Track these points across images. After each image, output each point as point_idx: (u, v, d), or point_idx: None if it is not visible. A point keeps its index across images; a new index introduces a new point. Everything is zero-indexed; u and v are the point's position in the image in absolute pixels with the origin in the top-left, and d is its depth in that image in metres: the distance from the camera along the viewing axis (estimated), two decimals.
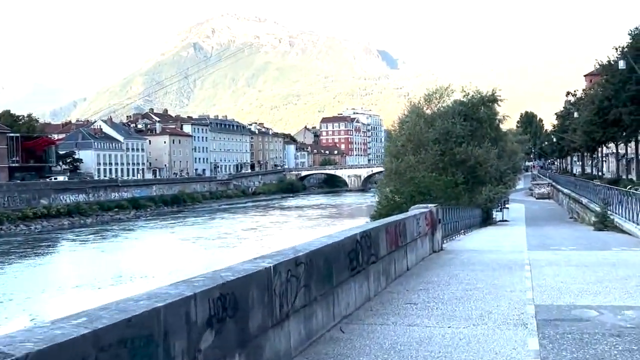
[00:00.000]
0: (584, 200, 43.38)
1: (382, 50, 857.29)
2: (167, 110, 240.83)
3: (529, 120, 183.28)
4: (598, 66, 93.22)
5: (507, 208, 58.28)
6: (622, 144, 56.29)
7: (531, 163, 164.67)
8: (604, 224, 29.85)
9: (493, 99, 47.48)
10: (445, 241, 22.44)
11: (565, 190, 62.28)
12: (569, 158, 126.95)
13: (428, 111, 47.91)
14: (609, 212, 30.42)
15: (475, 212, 40.71)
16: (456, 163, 45.18)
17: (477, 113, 47.92)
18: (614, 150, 59.71)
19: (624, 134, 46.93)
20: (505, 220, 55.59)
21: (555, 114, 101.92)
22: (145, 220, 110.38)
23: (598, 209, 33.51)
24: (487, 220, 47.36)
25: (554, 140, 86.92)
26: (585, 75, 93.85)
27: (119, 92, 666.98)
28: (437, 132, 45.25)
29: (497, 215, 56.94)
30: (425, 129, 45.89)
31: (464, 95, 48.15)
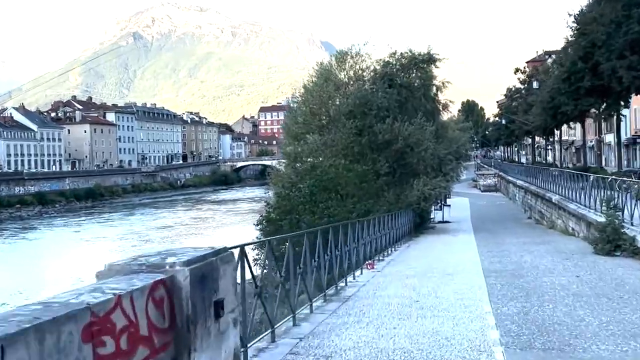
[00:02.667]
0: (555, 198, 30.51)
1: (325, 41, 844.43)
2: (91, 98, 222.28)
3: (470, 109, 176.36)
4: (541, 52, 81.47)
5: (449, 205, 45.28)
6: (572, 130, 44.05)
7: (473, 153, 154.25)
8: (614, 243, 16.73)
9: (429, 59, 34.15)
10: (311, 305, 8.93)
11: (519, 182, 49.73)
12: (514, 147, 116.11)
13: (342, 75, 34.28)
14: (618, 222, 17.25)
15: (402, 218, 27.38)
16: (378, 146, 31.76)
17: (408, 78, 34.60)
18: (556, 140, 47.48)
19: (606, 103, 34.47)
20: (447, 222, 42.64)
21: (497, 102, 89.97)
22: (49, 218, 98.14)
23: (596, 216, 20.51)
24: (421, 225, 34.10)
25: (504, 123, 74.57)
26: (527, 62, 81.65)
27: (56, 83, 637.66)
28: (352, 102, 31.69)
29: (435, 214, 43.98)
30: (336, 99, 32.32)
31: (390, 55, 34.68)
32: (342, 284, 13.20)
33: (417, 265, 16.89)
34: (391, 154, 32.04)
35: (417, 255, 19.96)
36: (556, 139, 70.36)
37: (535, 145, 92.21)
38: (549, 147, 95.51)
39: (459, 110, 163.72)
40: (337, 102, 32.62)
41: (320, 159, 31.36)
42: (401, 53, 34.44)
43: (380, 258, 19.04)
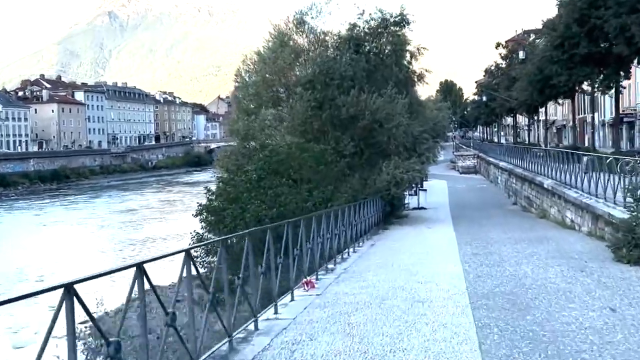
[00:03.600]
0: (548, 183, 25.83)
1: None
2: (60, 77, 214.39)
3: (448, 89, 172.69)
4: (520, 32, 76.54)
5: (425, 190, 40.52)
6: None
7: (452, 133, 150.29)
8: None
9: (401, 21, 29.11)
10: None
11: (502, 164, 45.09)
12: (493, 127, 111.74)
13: (301, 40, 29.15)
14: None
15: (368, 208, 22.47)
16: (341, 122, 26.82)
17: (378, 42, 29.56)
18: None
19: (604, 73, 29.74)
20: (422, 208, 37.93)
21: (476, 82, 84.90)
22: (10, 201, 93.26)
23: (610, 208, 15.86)
24: (392, 213, 29.29)
25: (484, 100, 69.73)
26: (507, 41, 76.21)
27: (30, 63, 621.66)
28: (311, 70, 26.66)
29: (410, 200, 39.22)
30: (295, 68, 27.29)
31: (358, 16, 29.59)
32: (252, 326, 8.25)
33: (376, 282, 12.01)
34: (357, 131, 27.10)
35: (379, 262, 15.05)
36: (539, 118, 65.92)
37: (513, 131, 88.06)
38: (530, 127, 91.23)
39: (437, 91, 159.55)
40: (297, 72, 27.52)
41: (278, 138, 26.33)
42: (370, 14, 29.33)
43: (331, 267, 14.14)
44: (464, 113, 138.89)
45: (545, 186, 26.62)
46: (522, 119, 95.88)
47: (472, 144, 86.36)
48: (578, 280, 11.47)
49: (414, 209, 38.01)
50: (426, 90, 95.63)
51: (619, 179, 16.99)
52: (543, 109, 54.21)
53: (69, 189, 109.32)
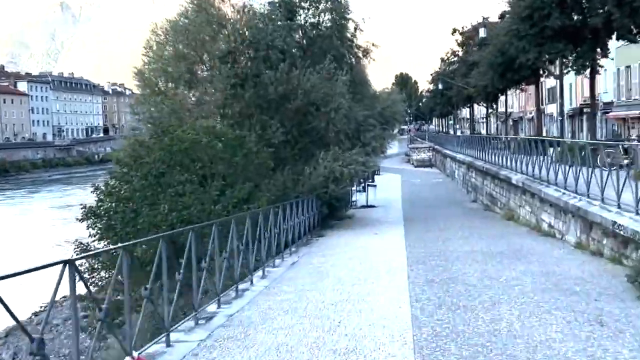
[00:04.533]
0: (517, 178, 21.09)
1: None
2: (4, 67, 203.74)
3: (404, 82, 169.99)
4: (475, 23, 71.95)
5: (374, 185, 35.73)
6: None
7: (407, 126, 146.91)
8: None
9: None
10: None
11: (460, 156, 40.50)
12: (449, 120, 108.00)
13: (225, 8, 23.80)
14: None
15: (298, 212, 17.25)
16: (269, 104, 21.71)
17: (315, 12, 24.49)
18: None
19: (576, 51, 25.16)
20: (371, 206, 33.15)
21: (432, 75, 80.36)
22: None
23: (620, 217, 11.04)
24: (333, 214, 24.29)
25: (440, 88, 65.22)
26: (461, 33, 71.25)
27: None
28: (232, 40, 21.45)
29: (359, 197, 34.46)
30: (216, 40, 22.06)
31: None
32: None
33: (270, 349, 6.92)
34: (288, 114, 21.97)
35: (290, 299, 9.90)
36: (498, 108, 61.89)
37: (469, 121, 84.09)
38: (484, 119, 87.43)
39: (392, 84, 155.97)
40: (221, 45, 22.19)
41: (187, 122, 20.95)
42: None
43: (212, 310, 9.00)
44: (419, 105, 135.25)
45: (514, 182, 21.96)
46: (478, 111, 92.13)
47: (427, 137, 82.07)
48: (601, 346, 6.60)
49: (362, 207, 33.18)
50: (381, 82, 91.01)
51: (627, 173, 12.24)
52: (503, 97, 49.91)
53: (5, 183, 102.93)
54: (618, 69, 52.50)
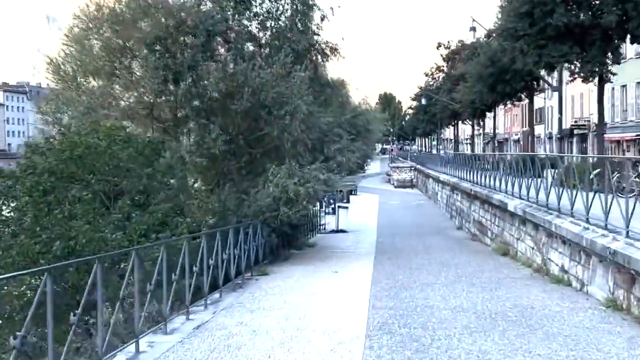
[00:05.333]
0: (515, 205, 16.56)
1: None
2: None
3: (387, 101, 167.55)
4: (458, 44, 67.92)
5: (346, 207, 31.27)
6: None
7: (389, 146, 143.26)
8: None
9: None
10: None
11: (443, 177, 36.03)
12: (432, 140, 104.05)
13: None
14: None
15: (236, 241, 12.58)
16: (209, 103, 17.18)
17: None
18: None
19: (584, 55, 20.86)
20: (342, 231, 28.74)
21: (414, 94, 76.22)
22: None
23: None
24: (289, 244, 19.69)
25: (424, 103, 60.93)
26: (447, 47, 67.03)
27: None
28: (162, 23, 16.95)
29: (329, 220, 30.07)
30: (141, 19, 17.55)
31: None
32: None
33: None
34: (233, 119, 17.43)
35: None
36: (484, 126, 57.83)
37: (453, 141, 79.97)
38: (468, 140, 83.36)
39: (376, 103, 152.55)
40: (149, 29, 17.63)
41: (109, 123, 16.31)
42: None
43: None
44: (402, 125, 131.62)
45: (511, 209, 17.49)
46: (462, 132, 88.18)
47: (409, 156, 77.76)
48: None
49: (332, 231, 28.70)
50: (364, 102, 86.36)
51: None
52: (490, 115, 45.76)
53: None
54: (612, 88, 48.64)
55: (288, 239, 19.29)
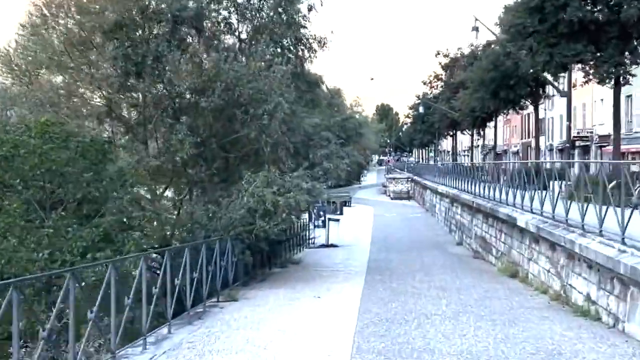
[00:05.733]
0: (526, 221, 14.19)
1: None
2: None
3: (385, 112, 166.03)
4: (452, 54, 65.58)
5: (337, 220, 28.96)
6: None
7: (386, 157, 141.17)
8: None
9: None
10: None
11: (442, 188, 33.73)
12: (429, 151, 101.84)
13: None
14: None
15: (200, 261, 10.27)
16: (177, 100, 14.86)
17: None
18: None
19: (598, 55, 18.58)
20: (332, 245, 26.48)
21: (413, 104, 73.88)
22: None
23: None
24: (270, 262, 17.37)
25: (421, 112, 58.58)
26: (445, 56, 63.95)
27: None
28: (124, 8, 14.67)
29: (319, 234, 27.84)
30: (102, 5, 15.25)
31: None
32: None
33: None
34: (205, 118, 15.16)
35: None
36: (485, 136, 55.66)
37: (451, 152, 77.57)
38: (466, 152, 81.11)
39: (373, 113, 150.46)
40: (109, 15, 15.36)
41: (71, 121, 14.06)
42: None
43: None
44: (399, 136, 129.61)
45: (522, 225, 15.18)
46: (460, 144, 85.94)
47: (406, 167, 75.48)
48: None
49: (322, 246, 26.39)
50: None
51: None
52: (492, 123, 43.48)
53: None
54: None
55: (268, 255, 16.94)
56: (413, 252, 22.60)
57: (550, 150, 63.87)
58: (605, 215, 10.57)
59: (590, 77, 20.33)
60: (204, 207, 14.35)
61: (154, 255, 12.75)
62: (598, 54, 19.27)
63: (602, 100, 51.61)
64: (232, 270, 13.63)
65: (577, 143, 54.90)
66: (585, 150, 55.05)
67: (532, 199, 15.26)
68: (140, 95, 15.02)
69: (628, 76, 19.75)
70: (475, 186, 23.86)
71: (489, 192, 21.05)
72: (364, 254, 22.69)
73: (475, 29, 25.12)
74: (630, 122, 45.10)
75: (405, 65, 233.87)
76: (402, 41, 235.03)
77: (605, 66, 18.80)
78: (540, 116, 65.83)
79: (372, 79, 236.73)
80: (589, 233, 11.16)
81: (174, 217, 15.56)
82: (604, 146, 49.18)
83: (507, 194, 18.06)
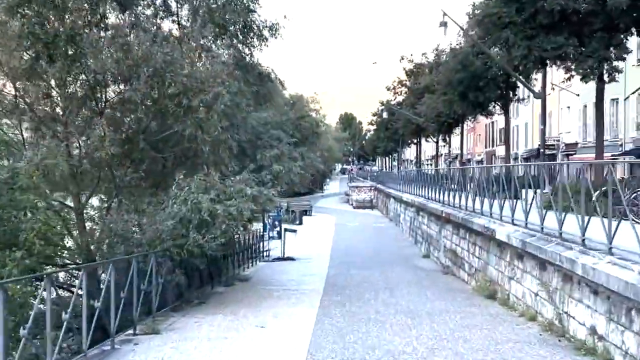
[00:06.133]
0: (509, 234, 12.04)
1: None
2: None
3: (348, 122, 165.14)
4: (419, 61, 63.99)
5: (294, 230, 26.62)
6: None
7: (350, 166, 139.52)
8: None
9: None
10: None
11: (407, 197, 31.61)
12: (392, 159, 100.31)
13: None
14: None
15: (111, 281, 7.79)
16: (97, 88, 12.26)
17: None
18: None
19: (587, 45, 16.62)
20: (289, 259, 24.13)
21: (381, 103, 71.17)
22: None
23: None
24: (215, 280, 14.88)
25: (385, 117, 56.51)
26: (410, 61, 61.47)
27: None
28: None
29: (274, 245, 25.45)
30: None
31: None
32: None
33: None
34: (132, 111, 12.65)
35: None
36: (450, 143, 54.08)
37: (414, 161, 75.86)
38: (429, 161, 79.58)
39: (336, 122, 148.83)
40: None
41: None
42: None
43: None
44: (362, 144, 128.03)
45: (502, 238, 13.02)
46: (424, 153, 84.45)
47: (369, 176, 73.47)
48: None
49: (277, 259, 23.96)
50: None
51: None
52: (453, 133, 41.63)
53: None
54: (585, 106, 45.31)
55: (210, 272, 14.46)
56: (376, 267, 20.33)
57: (515, 159, 62.62)
58: (616, 229, 8.43)
59: (573, 73, 18.41)
60: (125, 217, 11.82)
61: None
62: (580, 49, 17.33)
63: (568, 107, 50.46)
64: (157, 293, 11.13)
65: (540, 151, 53.75)
66: (552, 159, 53.89)
67: (513, 209, 13.12)
68: (54, 83, 12.45)
69: (614, 73, 17.88)
70: (444, 194, 21.76)
71: (460, 200, 18.96)
72: (323, 269, 20.35)
73: (444, 24, 23.12)
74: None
75: (370, 75, 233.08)
76: (367, 49, 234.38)
77: (590, 61, 16.88)
78: (503, 126, 65.00)
79: (374, 62, 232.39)
80: (592, 250, 9.04)
81: (98, 228, 13.00)
82: (571, 154, 47.97)
83: (482, 202, 15.95)
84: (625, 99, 40.03)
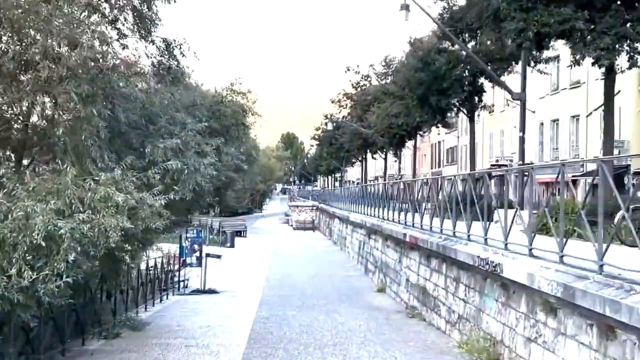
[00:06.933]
0: (501, 267, 7.60)
1: None
2: None
3: (290, 141, 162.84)
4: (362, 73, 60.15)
5: (219, 257, 21.56)
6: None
7: (291, 186, 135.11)
8: None
9: None
10: None
11: (355, 217, 26.98)
12: (335, 179, 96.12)
13: None
14: None
15: None
16: None
17: None
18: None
19: (604, 16, 12.59)
20: (210, 291, 19.12)
21: (325, 116, 66.40)
22: None
23: None
24: (88, 331, 9.67)
25: (330, 129, 51.75)
26: (357, 72, 57.05)
27: None
28: None
29: (194, 274, 20.45)
30: None
31: None
32: None
33: None
34: None
35: None
36: (399, 160, 50.13)
37: (360, 181, 71.92)
38: (374, 181, 75.70)
39: (278, 141, 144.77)
40: None
41: None
42: None
43: None
44: (304, 164, 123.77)
45: (523, 281, 8.49)
46: (369, 171, 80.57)
47: (310, 195, 68.85)
48: None
49: (195, 292, 18.92)
50: (264, 142, 77.46)
51: None
52: (423, 133, 37.42)
53: None
54: (541, 123, 42.23)
55: (78, 318, 9.35)
56: (320, 306, 15.56)
57: (463, 180, 59.43)
58: None
59: (584, 54, 14.20)
60: None
61: None
62: (590, 25, 13.21)
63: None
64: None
65: (493, 174, 50.42)
66: (502, 179, 50.74)
67: (532, 234, 8.63)
68: None
69: (636, 56, 13.82)
70: (406, 213, 17.27)
71: (432, 221, 14.49)
72: (251, 308, 15.46)
73: (406, 7, 18.89)
74: (557, 149, 40.81)
75: (312, 94, 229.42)
76: (310, 66, 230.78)
77: (606, 39, 12.74)
78: (453, 144, 61.63)
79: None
80: None
81: None
82: (526, 175, 44.91)
83: (468, 226, 11.45)
84: (587, 116, 36.82)
